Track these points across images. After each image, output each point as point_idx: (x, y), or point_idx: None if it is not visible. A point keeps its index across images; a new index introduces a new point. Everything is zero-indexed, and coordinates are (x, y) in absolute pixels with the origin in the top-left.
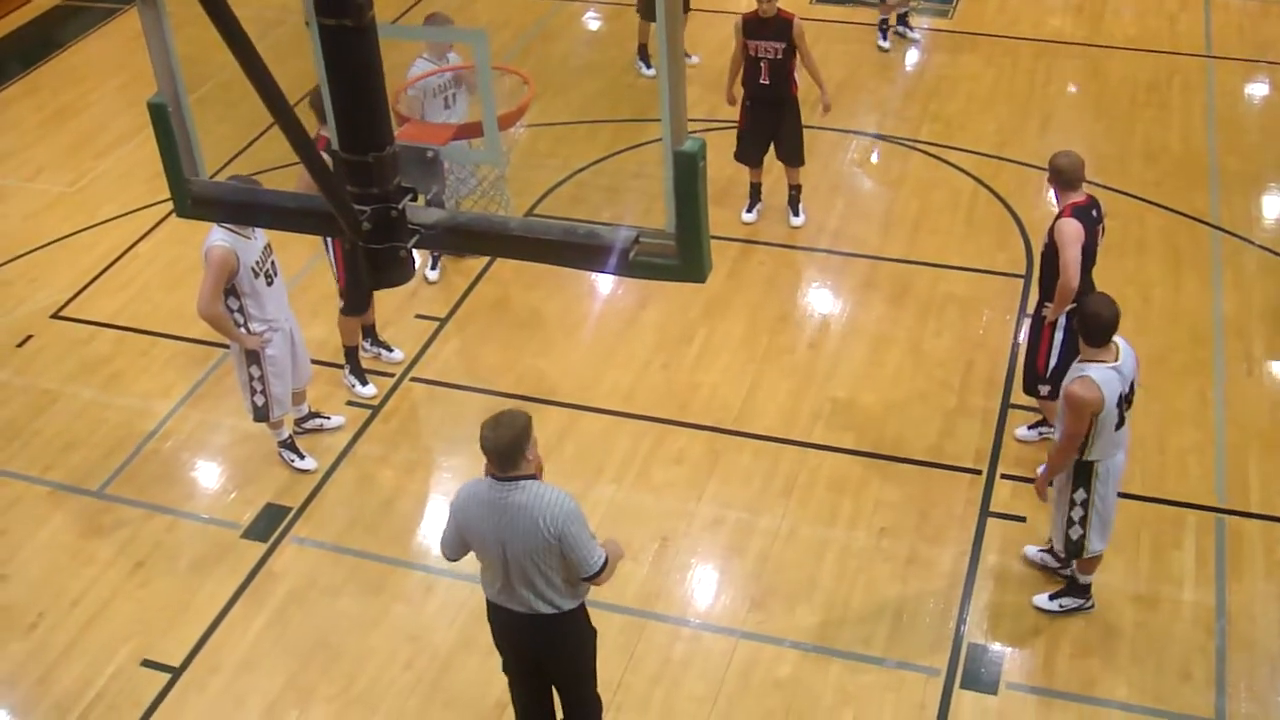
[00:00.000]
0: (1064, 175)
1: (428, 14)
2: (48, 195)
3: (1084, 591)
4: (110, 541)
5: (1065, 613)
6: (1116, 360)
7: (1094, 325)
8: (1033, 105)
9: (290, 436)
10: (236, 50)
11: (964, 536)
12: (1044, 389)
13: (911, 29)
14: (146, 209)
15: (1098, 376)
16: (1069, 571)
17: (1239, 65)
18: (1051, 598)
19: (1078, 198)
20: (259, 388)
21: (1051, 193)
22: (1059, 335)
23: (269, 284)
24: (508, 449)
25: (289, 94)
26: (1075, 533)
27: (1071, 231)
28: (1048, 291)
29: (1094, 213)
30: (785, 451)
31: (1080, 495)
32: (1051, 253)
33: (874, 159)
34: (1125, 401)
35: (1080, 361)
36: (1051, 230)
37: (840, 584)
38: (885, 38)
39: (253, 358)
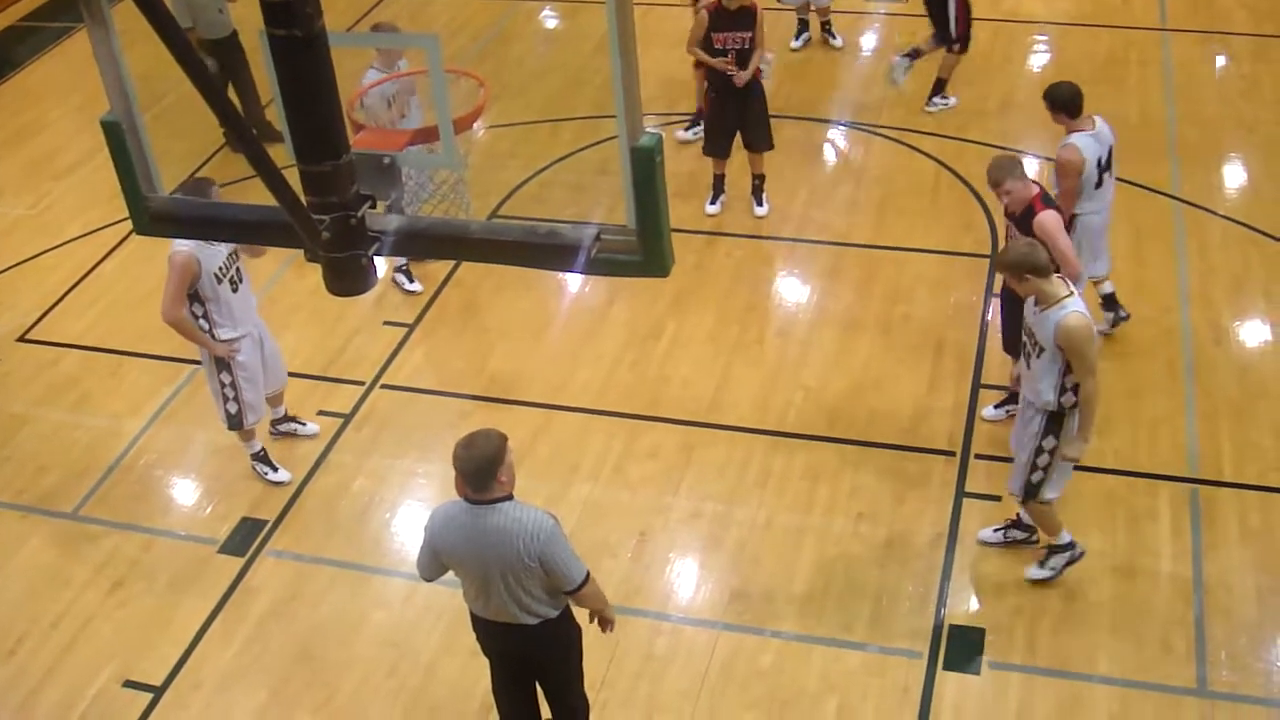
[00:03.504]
0: (1016, 173)
1: (374, 24)
2: (8, 218)
3: (1066, 547)
4: (87, 562)
5: (1059, 574)
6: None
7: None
8: (992, 85)
9: (263, 449)
10: (187, 66)
11: (940, 519)
12: None
13: (834, 36)
14: (109, 228)
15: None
16: (1036, 539)
17: (1194, 37)
18: (1041, 565)
19: (1034, 187)
20: (230, 395)
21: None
22: None
23: (234, 290)
24: (478, 471)
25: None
26: (1036, 477)
27: (1054, 222)
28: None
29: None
30: (759, 441)
31: (1049, 443)
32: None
33: (842, 146)
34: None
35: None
36: (1029, 226)
37: (819, 571)
38: (834, 35)
39: (223, 365)
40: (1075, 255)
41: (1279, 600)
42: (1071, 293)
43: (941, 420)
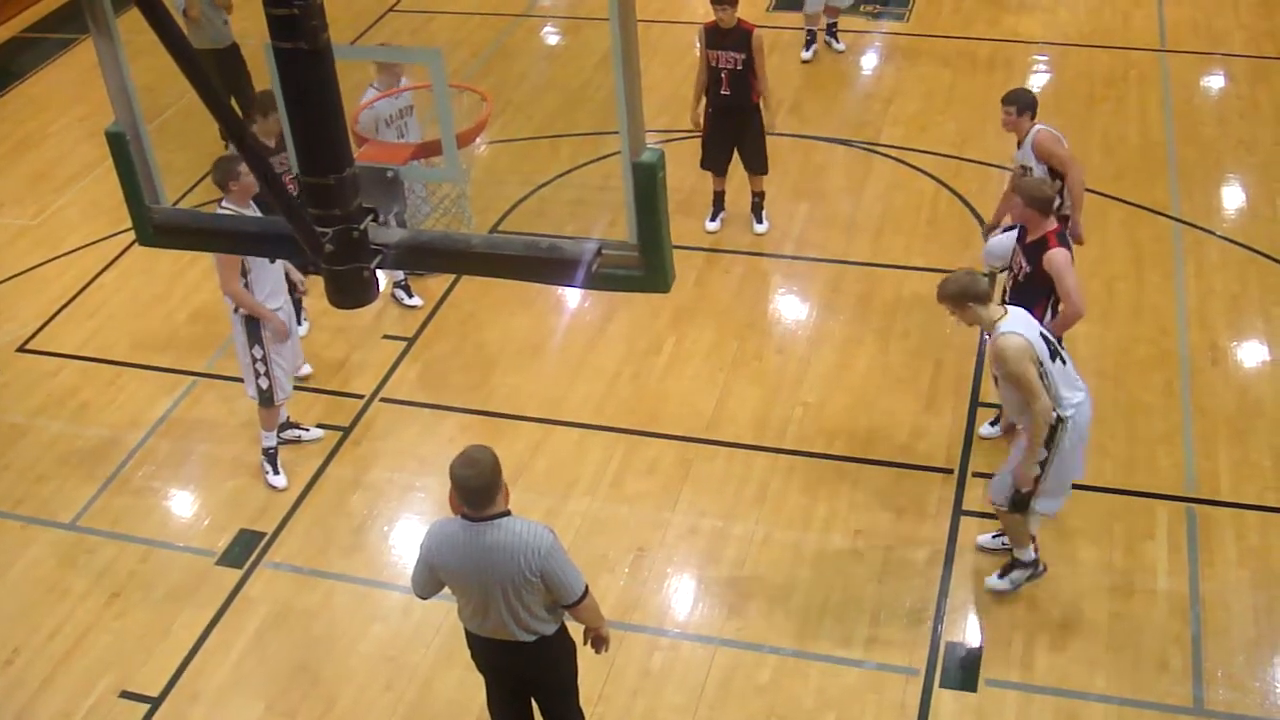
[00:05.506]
0: (1039, 202)
1: (379, 44)
2: (10, 229)
3: (1030, 564)
4: (85, 573)
5: (1018, 588)
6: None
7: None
8: (991, 105)
9: (276, 449)
10: (192, 77)
11: (938, 535)
12: None
13: (837, 40)
14: (110, 239)
15: (1012, 326)
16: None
17: (1193, 58)
18: (1001, 575)
19: (1054, 222)
20: (262, 370)
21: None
22: None
23: (271, 260)
24: (486, 487)
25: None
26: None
27: (1063, 259)
28: None
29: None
30: (757, 458)
31: (1041, 454)
32: (1035, 281)
33: (842, 164)
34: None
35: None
36: (1039, 257)
37: (817, 587)
38: (837, 40)
39: (255, 339)
40: (1081, 295)
41: (1276, 619)
42: (1006, 313)
43: (939, 437)
